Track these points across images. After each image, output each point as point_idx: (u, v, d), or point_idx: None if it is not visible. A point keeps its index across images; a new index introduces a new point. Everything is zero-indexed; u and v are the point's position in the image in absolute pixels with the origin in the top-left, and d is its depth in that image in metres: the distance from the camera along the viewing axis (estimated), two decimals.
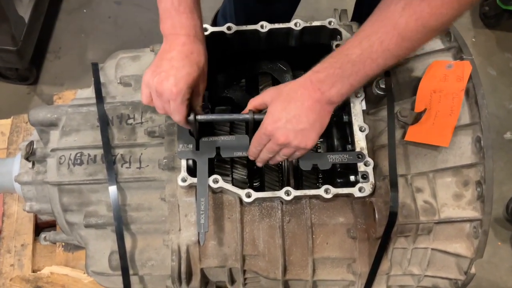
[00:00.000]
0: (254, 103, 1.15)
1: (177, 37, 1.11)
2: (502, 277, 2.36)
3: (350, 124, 1.26)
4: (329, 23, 1.34)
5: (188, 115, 1.13)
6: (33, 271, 1.66)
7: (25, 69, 2.56)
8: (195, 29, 1.12)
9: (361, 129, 1.23)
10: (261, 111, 1.13)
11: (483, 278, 2.34)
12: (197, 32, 1.13)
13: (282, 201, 1.21)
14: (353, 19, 1.98)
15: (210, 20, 2.50)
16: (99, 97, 1.33)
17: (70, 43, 2.80)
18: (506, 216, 2.40)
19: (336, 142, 1.40)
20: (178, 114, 1.11)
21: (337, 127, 1.39)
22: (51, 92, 2.47)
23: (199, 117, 1.15)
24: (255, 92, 1.52)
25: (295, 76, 1.49)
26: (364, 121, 1.23)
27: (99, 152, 1.28)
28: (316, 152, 1.43)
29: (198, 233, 1.16)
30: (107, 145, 1.27)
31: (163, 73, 1.08)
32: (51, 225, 1.76)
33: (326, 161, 1.20)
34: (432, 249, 1.22)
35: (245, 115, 1.16)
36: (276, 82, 1.50)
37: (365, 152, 1.20)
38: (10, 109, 2.40)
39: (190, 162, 1.23)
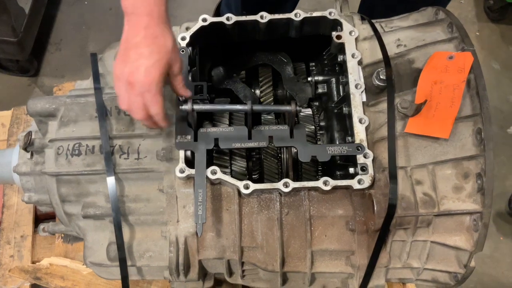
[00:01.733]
0: None
1: (139, 18, 1.05)
2: (504, 272, 2.35)
3: (350, 116, 1.24)
4: (330, 13, 1.32)
5: (185, 103, 1.12)
6: (33, 262, 1.67)
7: (25, 61, 2.56)
8: (158, 8, 1.06)
9: (360, 121, 1.21)
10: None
11: (485, 273, 2.34)
12: (161, 12, 1.07)
13: (280, 193, 1.21)
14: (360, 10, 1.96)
15: (212, 12, 2.49)
16: (98, 88, 1.33)
17: (71, 34, 2.80)
18: (509, 210, 2.39)
19: (336, 134, 1.39)
20: (156, 105, 1.07)
21: (337, 119, 1.38)
22: (52, 84, 2.47)
23: (196, 106, 1.14)
24: (255, 83, 1.52)
25: (295, 68, 1.49)
26: (364, 113, 1.22)
27: (97, 143, 1.28)
28: (316, 144, 1.42)
29: (196, 224, 1.15)
30: (105, 136, 1.26)
31: (133, 62, 1.04)
32: (51, 217, 1.76)
33: (325, 153, 1.19)
34: (432, 242, 1.21)
35: (242, 105, 1.15)
36: (276, 73, 1.49)
37: (365, 144, 1.19)
38: (11, 101, 2.40)
39: (188, 153, 1.23)
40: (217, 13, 2.43)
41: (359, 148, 1.19)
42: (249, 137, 1.22)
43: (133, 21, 1.06)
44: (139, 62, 1.04)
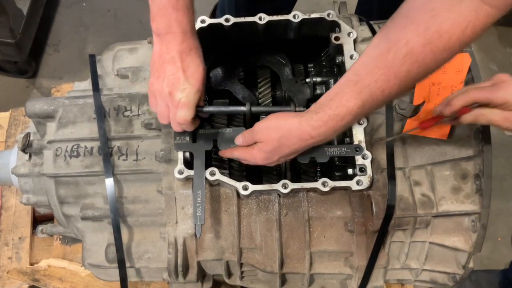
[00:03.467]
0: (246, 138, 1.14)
1: (174, 36, 1.08)
2: None
3: None
4: (328, 15, 1.33)
5: None
6: (31, 264, 1.66)
7: (23, 62, 2.55)
8: (190, 25, 1.10)
9: (359, 122, 1.22)
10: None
11: None
12: (192, 28, 1.11)
13: (279, 194, 1.21)
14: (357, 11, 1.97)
15: (209, 13, 2.49)
16: (96, 89, 1.32)
17: (69, 36, 2.79)
18: None
19: None
20: (190, 120, 1.10)
21: None
22: (50, 86, 2.46)
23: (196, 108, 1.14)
24: (253, 84, 1.52)
25: (293, 69, 1.49)
26: None
27: (96, 144, 1.28)
28: None
29: (195, 225, 1.15)
30: (104, 137, 1.26)
31: (171, 76, 1.07)
32: (49, 219, 1.75)
33: (324, 154, 1.19)
34: (430, 242, 1.21)
35: (242, 107, 1.15)
36: (274, 74, 1.49)
37: (363, 145, 1.20)
38: (9, 102, 2.40)
39: (187, 154, 1.22)
40: (213, 16, 2.43)
41: (358, 149, 1.19)
42: None
43: (167, 40, 1.08)
44: (178, 74, 1.07)
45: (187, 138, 1.21)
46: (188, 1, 1.08)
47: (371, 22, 1.36)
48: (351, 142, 1.21)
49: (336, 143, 1.34)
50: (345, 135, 1.29)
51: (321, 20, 1.33)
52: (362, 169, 1.18)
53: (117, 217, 1.22)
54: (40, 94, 2.62)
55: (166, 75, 1.08)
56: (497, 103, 1.04)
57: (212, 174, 1.19)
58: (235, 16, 1.32)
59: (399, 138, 1.21)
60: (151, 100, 1.14)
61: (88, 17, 2.85)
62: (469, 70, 1.18)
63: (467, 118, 1.07)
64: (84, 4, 2.90)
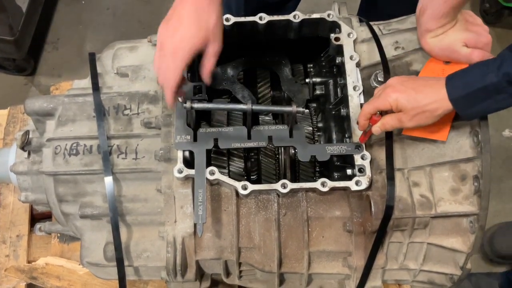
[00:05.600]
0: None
1: None
2: None
3: (347, 117, 1.25)
4: (328, 15, 1.33)
5: (184, 102, 1.12)
6: (28, 262, 1.65)
7: (22, 60, 2.55)
8: None
9: (358, 123, 1.22)
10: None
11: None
12: None
13: (278, 194, 1.21)
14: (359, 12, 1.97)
15: None
16: (96, 87, 1.32)
17: (68, 34, 2.79)
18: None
19: (334, 136, 1.39)
20: (172, 74, 1.08)
21: (335, 121, 1.38)
22: (48, 83, 2.46)
23: (195, 105, 1.14)
24: (253, 84, 1.52)
25: (293, 70, 1.49)
26: None
27: (95, 142, 1.28)
28: (314, 144, 1.43)
29: (195, 224, 1.15)
30: (103, 136, 1.26)
31: (172, 27, 1.08)
32: (47, 217, 1.75)
33: (325, 152, 1.20)
34: (428, 243, 1.22)
35: (243, 105, 1.15)
36: (274, 74, 1.49)
37: (363, 145, 1.20)
38: (7, 100, 2.39)
39: (187, 153, 1.22)
40: None
41: (358, 148, 1.19)
42: (249, 137, 1.22)
43: None
44: (177, 29, 1.07)
45: (188, 137, 1.21)
46: None
47: (371, 23, 1.36)
48: (351, 141, 1.22)
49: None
50: (344, 135, 1.29)
51: (321, 20, 1.34)
52: (361, 170, 1.18)
53: (116, 216, 1.22)
54: (39, 91, 2.62)
55: (169, 27, 1.08)
56: (384, 109, 1.10)
57: (212, 173, 1.19)
58: (244, 12, 1.32)
59: (398, 139, 1.21)
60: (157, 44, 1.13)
61: (87, 15, 2.85)
62: None
63: (375, 128, 1.13)
64: (83, 2, 2.89)
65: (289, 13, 1.33)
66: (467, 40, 1.17)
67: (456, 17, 1.19)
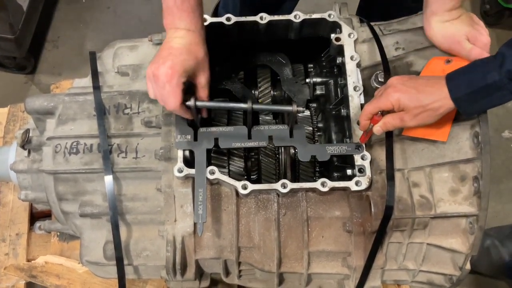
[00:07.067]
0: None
1: (177, 31, 1.15)
2: None
3: (348, 117, 1.25)
4: (329, 15, 1.33)
5: (187, 100, 1.13)
6: (28, 260, 1.66)
7: (23, 58, 2.54)
8: (195, 25, 1.15)
9: (358, 123, 1.22)
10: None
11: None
12: (197, 28, 1.16)
13: (278, 194, 1.21)
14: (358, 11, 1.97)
15: (210, 12, 2.48)
16: (96, 86, 1.32)
17: (68, 32, 2.78)
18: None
19: (334, 136, 1.39)
20: (173, 98, 1.11)
21: (335, 121, 1.39)
22: (48, 82, 2.46)
23: (198, 103, 1.15)
24: (253, 84, 1.52)
25: (293, 69, 1.49)
26: None
27: (95, 141, 1.28)
28: (315, 144, 1.43)
29: (195, 223, 1.15)
30: (104, 135, 1.26)
31: (161, 59, 1.11)
32: (46, 215, 1.75)
33: (325, 152, 1.20)
34: (428, 244, 1.22)
35: (243, 104, 1.15)
36: (274, 74, 1.49)
37: (363, 146, 1.20)
38: (7, 98, 2.38)
39: (187, 153, 1.23)
40: (215, 14, 2.43)
41: (359, 148, 1.19)
42: (249, 137, 1.23)
43: (171, 33, 1.16)
44: (168, 58, 1.10)
45: (188, 137, 1.21)
46: (193, 4, 1.14)
47: (372, 24, 1.36)
48: (351, 142, 1.22)
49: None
50: (344, 136, 1.29)
51: (322, 20, 1.34)
52: (361, 170, 1.18)
53: (116, 215, 1.22)
54: (39, 90, 2.61)
55: (160, 58, 1.11)
56: (386, 109, 1.11)
57: (212, 172, 1.19)
58: (240, 12, 1.32)
59: (398, 140, 1.21)
60: (147, 87, 1.16)
61: (87, 14, 2.84)
62: None
63: (377, 128, 1.13)
64: (83, 0, 2.89)
65: (288, 13, 1.33)
66: (470, 35, 1.19)
67: (462, 4, 1.21)
